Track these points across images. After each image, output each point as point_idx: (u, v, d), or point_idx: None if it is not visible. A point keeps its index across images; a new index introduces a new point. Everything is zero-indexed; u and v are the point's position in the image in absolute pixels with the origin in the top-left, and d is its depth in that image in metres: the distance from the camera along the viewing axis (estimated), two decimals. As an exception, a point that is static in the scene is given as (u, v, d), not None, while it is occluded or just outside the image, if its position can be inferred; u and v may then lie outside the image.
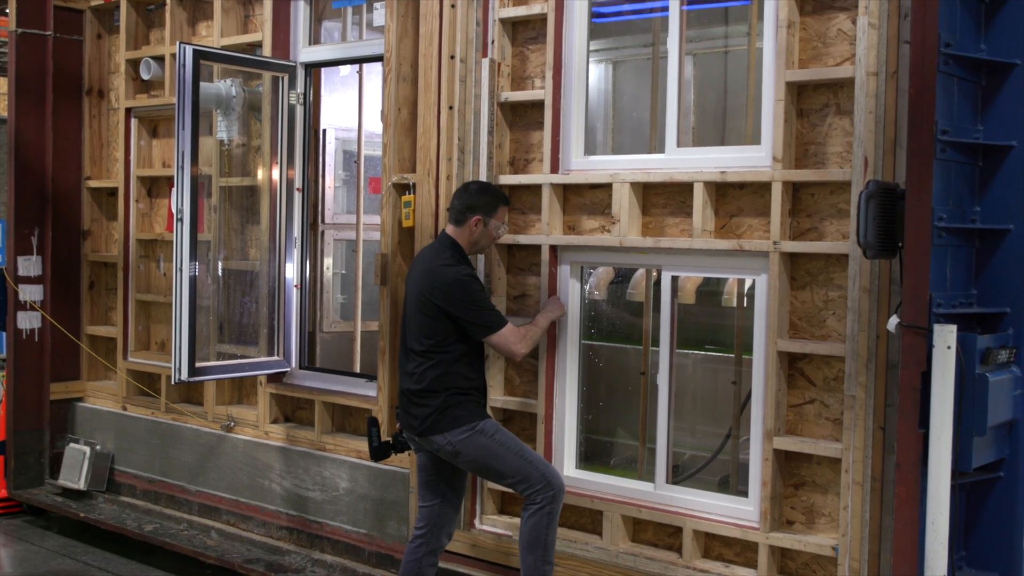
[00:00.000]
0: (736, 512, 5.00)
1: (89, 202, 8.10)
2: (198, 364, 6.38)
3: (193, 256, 6.19)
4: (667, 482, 5.27)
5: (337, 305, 8.33)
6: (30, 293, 7.86)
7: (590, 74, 8.37)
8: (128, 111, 7.75)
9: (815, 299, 4.78)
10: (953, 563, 3.96)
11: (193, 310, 6.23)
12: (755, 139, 5.02)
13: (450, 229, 5.13)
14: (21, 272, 7.84)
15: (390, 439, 5.34)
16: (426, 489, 5.22)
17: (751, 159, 4.91)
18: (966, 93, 4.06)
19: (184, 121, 6.13)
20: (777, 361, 4.79)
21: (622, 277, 7.55)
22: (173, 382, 6.31)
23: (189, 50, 6.14)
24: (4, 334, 8.13)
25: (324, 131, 7.96)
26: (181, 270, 6.19)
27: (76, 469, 7.69)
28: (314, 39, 6.89)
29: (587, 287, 7.28)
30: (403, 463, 5.98)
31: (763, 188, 4.86)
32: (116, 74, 7.95)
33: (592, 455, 7.25)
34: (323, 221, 8.01)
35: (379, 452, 5.34)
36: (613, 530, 5.31)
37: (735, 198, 5.01)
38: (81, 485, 7.63)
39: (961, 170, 4.04)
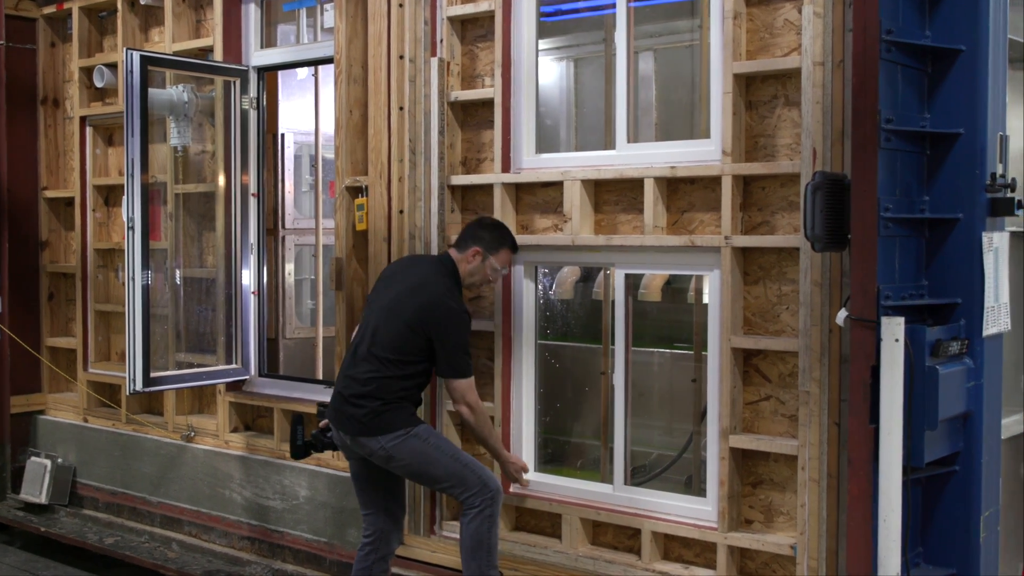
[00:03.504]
0: (695, 512, 4.92)
1: (46, 212, 7.98)
2: (154, 374, 6.29)
3: (146, 265, 6.10)
4: (625, 483, 5.19)
5: (306, 311, 8.23)
6: (-13, 306, 7.75)
7: (551, 72, 8.36)
8: (83, 119, 7.64)
9: (768, 294, 4.71)
10: (907, 560, 3.89)
11: (147, 319, 6.13)
12: (708, 134, 4.94)
13: (452, 252, 5.07)
14: (-23, 285, 7.72)
15: (310, 438, 5.28)
16: (363, 497, 5.12)
17: (701, 153, 4.84)
18: (911, 81, 3.99)
19: (133, 128, 6.04)
20: (732, 358, 4.72)
21: (586, 276, 7.47)
22: (127, 392, 6.21)
23: (136, 56, 6.04)
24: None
25: (282, 135, 7.87)
26: (133, 279, 6.09)
27: (37, 483, 7.57)
28: (267, 42, 6.80)
29: (552, 287, 7.21)
30: (362, 470, 5.88)
31: (714, 183, 4.79)
32: (70, 82, 7.84)
33: (560, 457, 7.18)
34: (283, 226, 7.92)
35: (301, 451, 5.36)
36: (572, 533, 5.23)
37: (686, 193, 4.93)
38: (43, 499, 7.51)
39: (908, 159, 3.97)
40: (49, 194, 7.94)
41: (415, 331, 4.84)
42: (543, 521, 5.44)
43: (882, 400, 3.74)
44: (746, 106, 4.71)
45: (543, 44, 8.04)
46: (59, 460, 7.64)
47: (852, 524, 3.90)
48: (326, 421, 5.15)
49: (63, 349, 7.93)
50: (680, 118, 7.46)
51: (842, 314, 4.01)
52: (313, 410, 6.25)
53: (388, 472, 5.00)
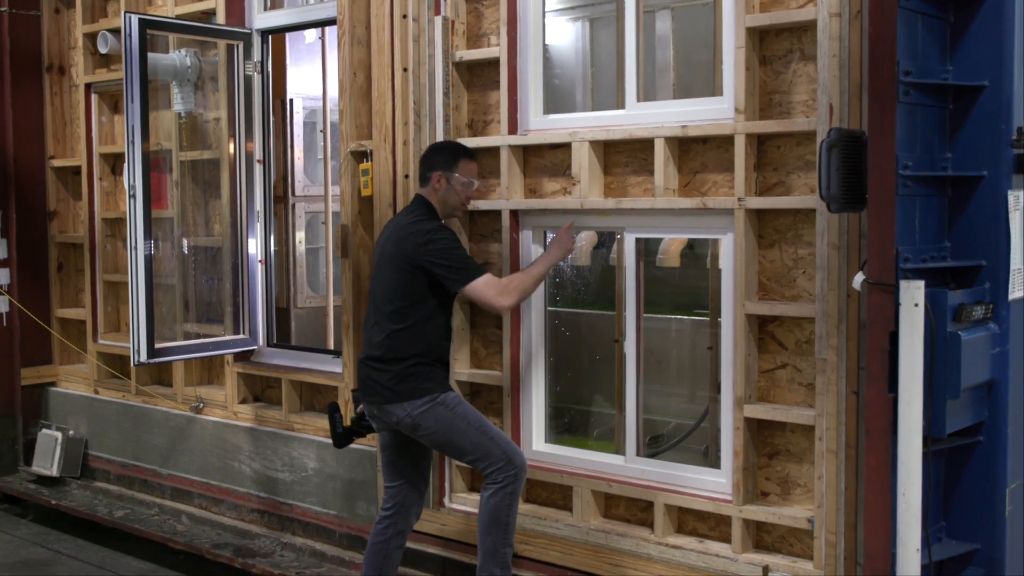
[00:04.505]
0: (709, 484, 4.76)
1: (54, 182, 7.86)
2: (159, 345, 6.18)
3: (148, 234, 5.97)
4: (638, 455, 5.03)
5: (319, 280, 8.10)
6: (-4, 277, 7.66)
7: (567, 33, 8.15)
8: (88, 87, 7.50)
9: (784, 258, 4.51)
10: (928, 535, 3.71)
11: (150, 289, 6.01)
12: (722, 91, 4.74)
13: (420, 191, 4.88)
14: (-15, 256, 7.64)
15: (351, 424, 5.09)
16: (390, 469, 4.98)
17: (713, 111, 4.64)
18: (932, 30, 3.76)
19: (133, 94, 5.89)
20: (746, 324, 4.53)
21: (604, 241, 7.29)
22: (132, 364, 6.10)
23: (135, 19, 5.88)
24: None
25: (291, 101, 7.72)
26: (136, 248, 5.96)
27: (49, 455, 7.50)
28: (275, 4, 6.61)
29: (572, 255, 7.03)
30: (371, 442, 5.73)
31: (727, 142, 4.59)
32: (75, 49, 7.69)
33: (576, 426, 7.04)
34: (293, 194, 7.79)
35: (342, 439, 5.08)
36: (583, 506, 5.08)
37: (699, 153, 4.74)
38: (54, 472, 7.44)
39: (928, 114, 3.75)
40: (56, 163, 7.82)
41: (405, 269, 4.67)
42: (554, 493, 5.30)
43: (901, 368, 3.54)
44: (760, 61, 4.50)
45: (557, 4, 7.85)
46: (70, 432, 7.57)
47: (870, 498, 3.72)
48: (362, 407, 4.99)
49: (73, 320, 7.83)
50: (699, 79, 7.24)
51: (859, 278, 3.81)
52: (325, 381, 6.15)
53: (417, 444, 4.84)
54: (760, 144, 4.52)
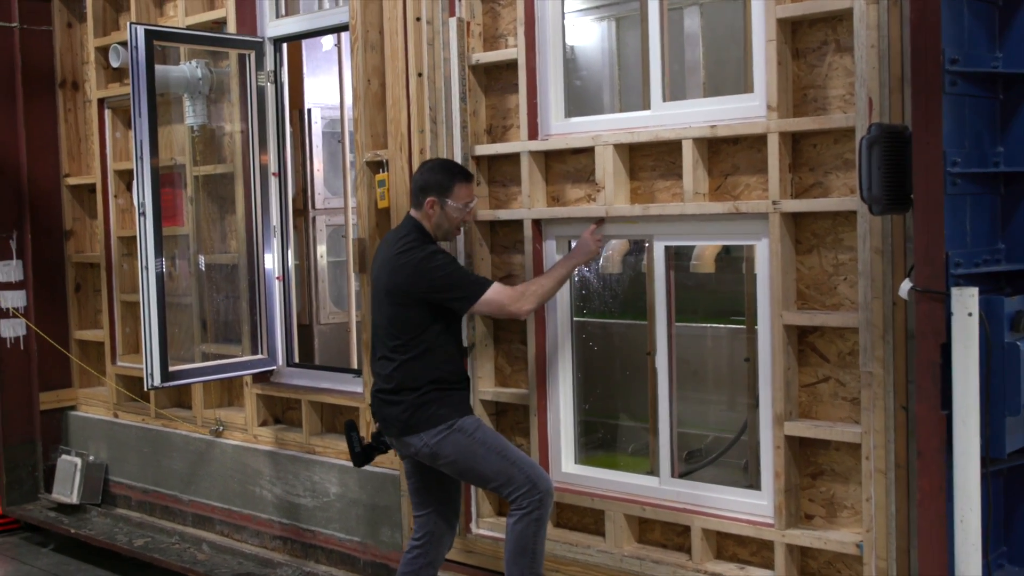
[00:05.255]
0: (749, 507, 4.46)
1: (70, 200, 7.69)
2: (174, 367, 5.96)
3: (159, 252, 5.76)
4: (672, 475, 4.74)
5: (343, 295, 7.87)
6: (11, 299, 7.47)
7: (592, 33, 7.88)
8: (101, 102, 7.32)
9: (824, 264, 4.21)
10: (989, 562, 3.41)
11: (162, 310, 5.79)
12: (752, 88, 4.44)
13: (413, 213, 4.63)
14: (1, 278, 7.45)
15: (371, 441, 4.85)
16: (416, 497, 4.74)
17: (744, 109, 4.35)
18: (980, 15, 3.46)
19: (140, 108, 5.68)
20: (784, 335, 4.24)
21: (635, 247, 7.02)
22: (145, 388, 5.89)
23: (140, 30, 5.68)
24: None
25: (309, 111, 7.51)
26: (147, 267, 5.75)
27: (68, 482, 7.31)
28: (289, 11, 6.38)
29: (599, 261, 6.76)
30: (393, 464, 5.50)
31: (759, 141, 4.30)
32: (88, 64, 7.51)
33: (611, 442, 6.75)
34: (313, 207, 7.57)
35: (361, 458, 4.85)
36: (617, 531, 4.79)
37: (729, 155, 4.45)
38: (74, 499, 7.25)
39: (978, 105, 3.45)
40: (71, 181, 7.65)
41: (402, 303, 4.44)
42: (585, 517, 5.02)
43: (955, 383, 3.25)
44: (792, 55, 4.21)
45: (582, 3, 7.59)
46: (90, 458, 7.38)
47: (924, 524, 3.42)
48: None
49: (92, 342, 7.65)
50: (730, 77, 6.95)
51: (906, 285, 3.52)
52: (346, 402, 5.90)
53: (441, 472, 4.60)
54: (795, 143, 4.22)
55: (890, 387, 3.93)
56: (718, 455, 6.00)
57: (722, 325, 6.72)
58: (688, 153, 4.42)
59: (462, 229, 4.89)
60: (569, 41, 8.06)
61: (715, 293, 6.92)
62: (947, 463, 3.32)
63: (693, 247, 6.50)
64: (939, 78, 3.29)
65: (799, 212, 4.20)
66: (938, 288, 3.32)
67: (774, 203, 4.19)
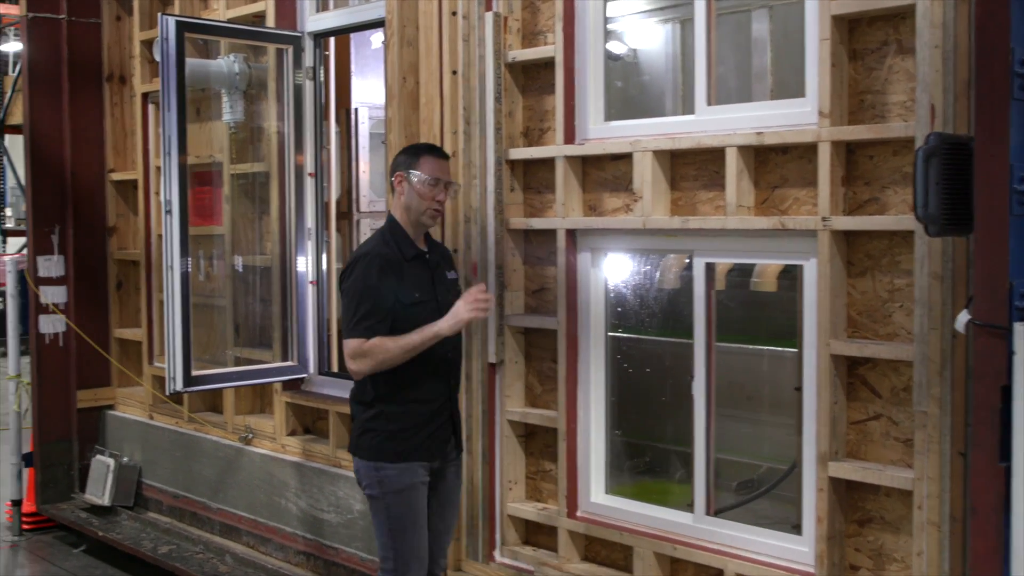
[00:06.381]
0: (788, 553, 4.06)
1: (114, 196, 7.52)
2: (198, 372, 5.74)
3: (185, 252, 5.53)
4: (707, 513, 4.35)
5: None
6: (52, 295, 7.33)
7: (656, 36, 7.51)
8: (144, 96, 7.14)
9: (878, 288, 3.80)
10: (1051, 638, 2.98)
11: (187, 311, 5.57)
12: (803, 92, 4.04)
13: (392, 206, 4.33)
14: (42, 273, 7.32)
15: None
16: None
17: (794, 116, 3.96)
18: (1058, 12, 3.04)
19: (169, 102, 5.46)
20: (832, 366, 3.83)
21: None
22: (167, 392, 5.67)
23: (171, 22, 5.46)
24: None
25: (355, 110, 7.25)
26: (172, 267, 5.52)
27: (100, 483, 7.14)
28: (327, 4, 6.11)
29: (657, 276, 6.39)
30: (417, 484, 5.18)
31: (809, 151, 3.90)
32: (134, 58, 7.34)
33: (659, 467, 6.38)
34: (358, 209, 7.31)
35: None
36: (645, 569, 4.42)
37: (777, 165, 4.05)
38: (105, 500, 7.06)
39: (1053, 115, 3.02)
40: (115, 176, 7.48)
41: None
42: (614, 552, 4.66)
43: (1015, 431, 2.84)
44: (849, 56, 3.80)
45: (646, 4, 7.22)
46: (124, 459, 7.19)
47: (976, 591, 3.01)
48: None
49: (131, 341, 7.47)
50: (800, 84, 6.54)
51: (963, 317, 3.11)
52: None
53: (432, 488, 4.29)
54: (849, 153, 3.82)
55: (947, 430, 3.51)
56: (767, 489, 5.60)
57: (781, 348, 6.30)
58: (732, 162, 4.04)
59: (443, 216, 4.53)
60: (633, 43, 7.74)
61: (776, 313, 6.51)
62: (1005, 522, 2.91)
63: (754, 264, 6.11)
64: (1007, 82, 2.87)
65: (852, 230, 3.79)
66: (999, 322, 2.90)
67: (824, 220, 3.79)
